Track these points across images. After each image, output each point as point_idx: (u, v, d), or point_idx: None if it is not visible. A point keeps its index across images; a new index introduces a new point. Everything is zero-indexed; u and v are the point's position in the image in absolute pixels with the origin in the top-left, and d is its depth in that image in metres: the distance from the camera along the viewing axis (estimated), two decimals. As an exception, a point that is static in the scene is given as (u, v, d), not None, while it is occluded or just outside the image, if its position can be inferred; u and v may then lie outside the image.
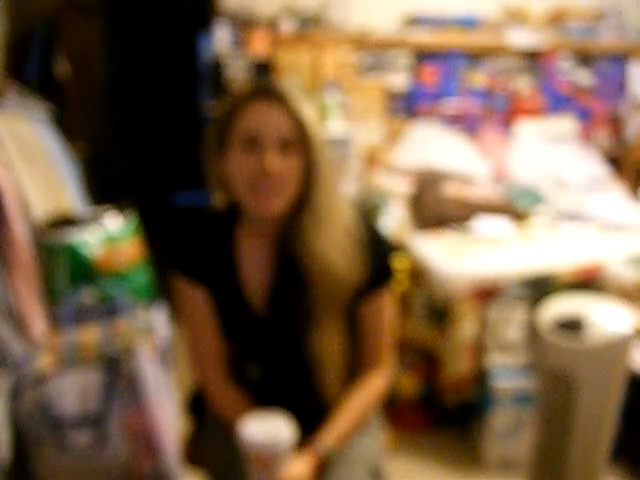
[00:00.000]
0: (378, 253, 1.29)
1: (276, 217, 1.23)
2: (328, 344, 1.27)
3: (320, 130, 1.24)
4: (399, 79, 3.39)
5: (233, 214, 1.31)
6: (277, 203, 1.20)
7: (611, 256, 2.41)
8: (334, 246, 1.23)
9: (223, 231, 1.32)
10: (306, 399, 1.31)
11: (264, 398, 1.30)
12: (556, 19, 3.59)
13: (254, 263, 1.30)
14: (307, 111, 1.21)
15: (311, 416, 1.28)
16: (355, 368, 1.35)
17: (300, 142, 1.20)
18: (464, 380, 2.36)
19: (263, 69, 3.18)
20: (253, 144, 1.19)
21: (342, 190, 1.32)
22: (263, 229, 1.28)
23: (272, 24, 3.25)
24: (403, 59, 3.39)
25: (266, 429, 1.13)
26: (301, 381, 1.31)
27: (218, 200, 1.33)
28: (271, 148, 1.18)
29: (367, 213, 2.59)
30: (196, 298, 1.32)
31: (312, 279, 1.24)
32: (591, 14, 3.62)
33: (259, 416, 1.16)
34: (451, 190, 2.78)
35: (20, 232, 1.53)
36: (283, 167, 1.19)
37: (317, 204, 1.22)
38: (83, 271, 1.62)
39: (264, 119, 1.19)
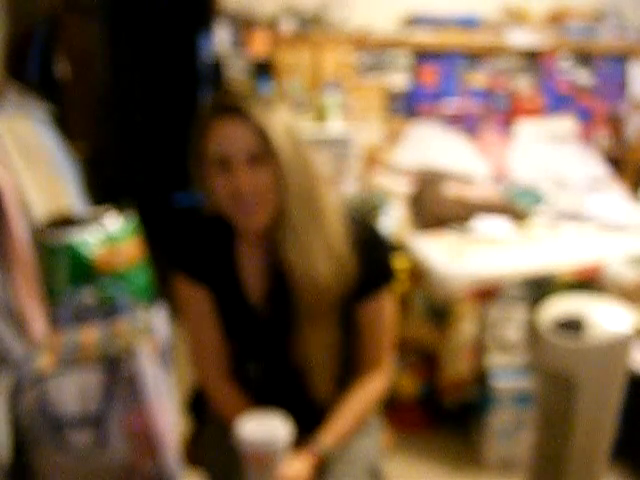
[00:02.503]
0: (377, 254, 1.29)
1: (262, 229, 1.24)
2: (314, 346, 1.27)
3: (288, 138, 1.20)
4: (399, 79, 3.40)
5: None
6: (261, 215, 1.21)
7: (611, 256, 2.41)
8: (316, 255, 1.22)
9: (223, 232, 1.32)
10: (302, 399, 1.31)
11: (263, 397, 1.30)
12: (556, 19, 3.59)
13: (253, 263, 1.31)
14: (272, 120, 1.18)
15: (308, 415, 1.28)
16: (354, 369, 1.35)
17: (267, 154, 1.18)
18: (464, 380, 2.36)
19: (263, 69, 3.19)
20: (224, 165, 1.19)
21: (332, 191, 1.30)
22: (252, 239, 1.29)
23: (272, 24, 3.26)
24: (403, 59, 3.39)
25: (262, 428, 1.14)
26: (292, 381, 1.31)
27: (209, 210, 1.33)
28: (240, 165, 1.18)
29: (366, 214, 2.59)
30: (197, 298, 1.32)
31: (294, 283, 1.24)
32: (591, 14, 3.63)
33: (256, 415, 1.17)
34: (451, 190, 2.78)
35: (20, 232, 1.52)
36: (255, 182, 1.18)
37: (292, 214, 1.21)
38: (83, 271, 1.62)
39: (228, 138, 1.18)
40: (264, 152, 1.18)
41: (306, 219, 1.22)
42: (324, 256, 1.22)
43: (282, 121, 1.20)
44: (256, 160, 1.18)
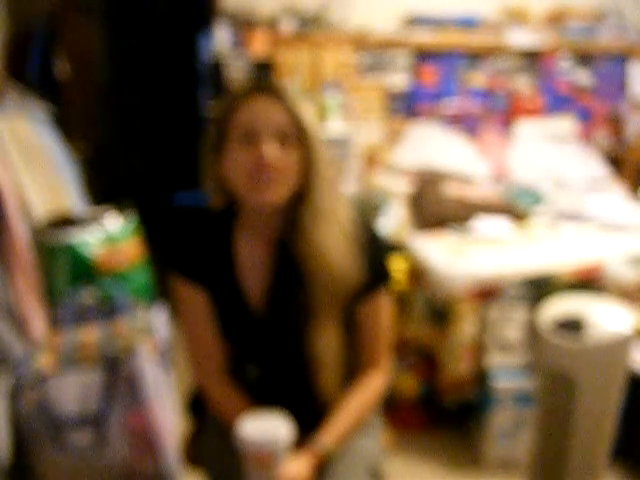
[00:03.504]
0: (375, 255, 1.29)
1: (275, 210, 1.23)
2: (325, 343, 1.27)
3: (317, 126, 1.24)
4: (399, 79, 3.39)
5: (231, 214, 1.31)
6: (277, 194, 1.20)
7: (611, 256, 2.41)
8: (332, 242, 1.23)
9: (221, 231, 1.32)
10: (304, 398, 1.31)
11: (263, 398, 1.30)
12: (556, 19, 3.59)
13: (252, 263, 1.30)
14: (304, 107, 1.22)
15: (309, 415, 1.28)
16: (353, 369, 1.35)
17: (297, 136, 1.20)
18: (464, 380, 2.36)
19: (263, 69, 3.19)
20: (251, 137, 1.19)
21: (342, 190, 1.32)
22: (261, 225, 1.28)
23: (272, 24, 3.25)
24: (403, 59, 3.39)
25: (263, 428, 1.14)
26: (299, 380, 1.31)
27: (214, 201, 1.33)
28: (268, 138, 1.19)
29: (366, 214, 2.60)
30: (195, 299, 1.32)
31: (310, 275, 1.24)
32: (591, 14, 3.62)
33: (257, 415, 1.17)
34: (451, 190, 2.78)
35: (20, 232, 1.53)
36: (281, 157, 1.19)
37: (316, 199, 1.22)
38: (83, 271, 1.62)
39: (260, 113, 1.20)
40: (294, 134, 1.20)
41: (327, 208, 1.24)
42: (338, 246, 1.24)
43: (310, 111, 1.24)
44: (284, 139, 1.20)
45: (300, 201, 1.23)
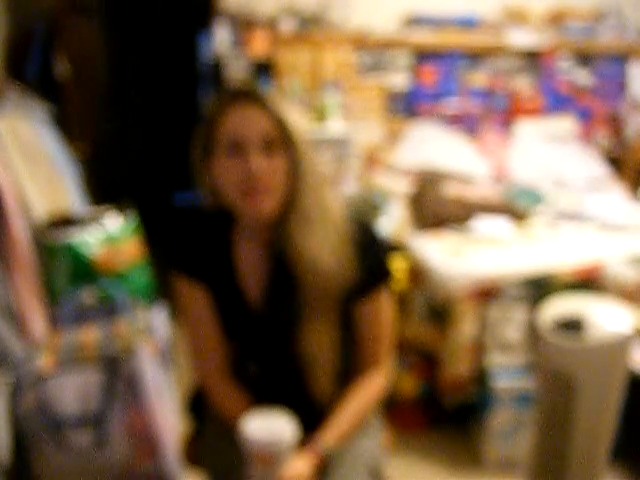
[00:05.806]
0: (374, 254, 1.29)
1: (268, 218, 1.23)
2: (317, 343, 1.27)
3: (302, 130, 1.23)
4: (399, 79, 3.40)
5: (229, 216, 1.31)
6: (268, 204, 1.20)
7: (611, 256, 2.41)
8: (322, 245, 1.23)
9: (221, 230, 1.32)
10: (300, 397, 1.31)
11: (262, 396, 1.30)
12: (556, 19, 3.59)
13: (251, 262, 1.31)
14: (287, 111, 1.22)
15: (307, 413, 1.28)
16: (351, 368, 1.35)
17: (283, 141, 1.20)
18: (464, 380, 2.36)
19: (263, 69, 3.19)
20: (237, 148, 1.19)
21: (335, 190, 1.32)
22: (255, 231, 1.29)
23: (272, 24, 3.26)
24: (403, 59, 3.39)
25: (268, 428, 1.13)
26: (294, 379, 1.31)
27: (209, 204, 1.33)
28: (255, 150, 1.18)
29: (364, 213, 2.60)
30: (196, 297, 1.32)
31: (300, 277, 1.24)
32: (591, 14, 3.63)
33: (261, 414, 1.16)
34: (451, 190, 2.78)
35: (20, 232, 1.53)
36: (269, 167, 1.19)
37: (303, 203, 1.22)
38: (83, 271, 1.62)
39: (244, 122, 1.19)
40: (279, 139, 1.20)
41: (315, 210, 1.23)
42: (328, 248, 1.23)
43: (294, 114, 1.23)
44: (271, 147, 1.19)
45: (288, 205, 1.23)
